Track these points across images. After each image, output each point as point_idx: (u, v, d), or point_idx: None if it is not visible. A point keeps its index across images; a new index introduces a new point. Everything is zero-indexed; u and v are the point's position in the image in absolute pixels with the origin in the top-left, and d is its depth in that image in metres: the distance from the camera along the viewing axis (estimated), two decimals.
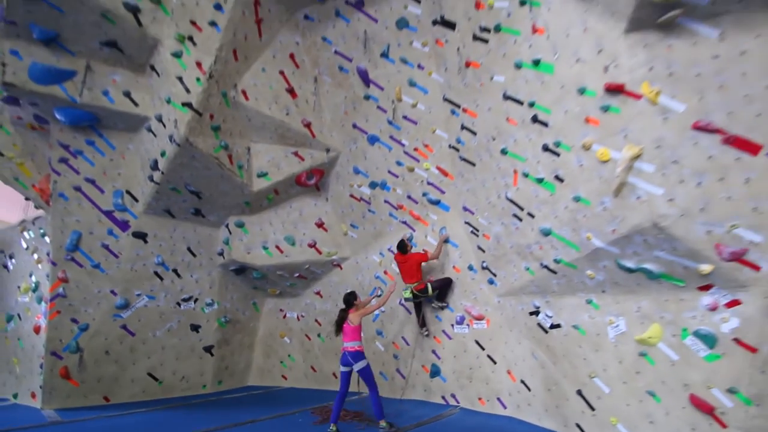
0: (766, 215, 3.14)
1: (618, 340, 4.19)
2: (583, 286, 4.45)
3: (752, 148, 3.11)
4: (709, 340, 3.51)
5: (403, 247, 6.00)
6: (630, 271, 3.89)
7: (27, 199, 6.97)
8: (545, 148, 4.22)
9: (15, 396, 6.87)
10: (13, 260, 7.56)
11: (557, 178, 4.18)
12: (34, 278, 7.00)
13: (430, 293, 5.88)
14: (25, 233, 7.33)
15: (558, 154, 4.11)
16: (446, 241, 6.13)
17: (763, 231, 3.16)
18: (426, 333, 6.21)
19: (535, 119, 4.26)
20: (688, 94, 3.21)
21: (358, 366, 4.91)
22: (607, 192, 3.69)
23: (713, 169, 3.21)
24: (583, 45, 3.64)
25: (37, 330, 6.65)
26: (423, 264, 6.03)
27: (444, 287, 6.02)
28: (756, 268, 3.22)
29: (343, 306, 5.19)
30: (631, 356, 4.08)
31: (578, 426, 4.58)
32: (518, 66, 4.33)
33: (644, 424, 3.98)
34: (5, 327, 7.35)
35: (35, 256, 7.03)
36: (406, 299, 6.07)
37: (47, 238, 6.68)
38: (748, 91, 3.09)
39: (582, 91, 3.74)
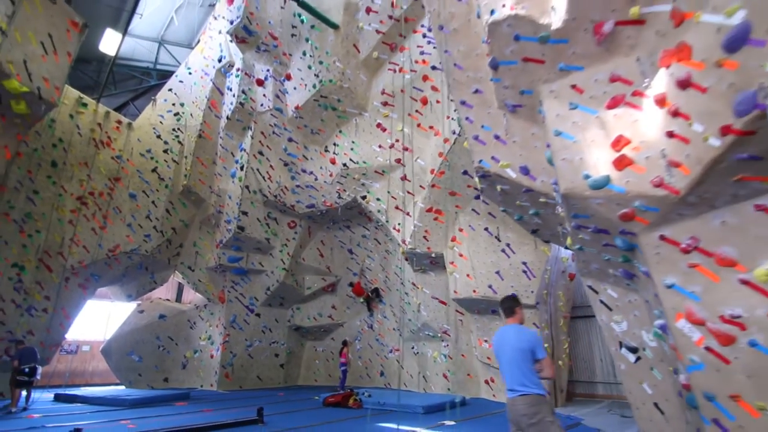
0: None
1: (439, 358, 12.83)
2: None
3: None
4: (445, 357, 12.15)
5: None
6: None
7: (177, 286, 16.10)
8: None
9: (201, 386, 15.56)
10: (195, 324, 16.49)
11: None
12: (207, 333, 15.87)
13: (371, 294, 14.93)
14: (201, 312, 16.32)
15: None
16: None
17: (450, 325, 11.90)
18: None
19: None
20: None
21: (343, 368, 13.58)
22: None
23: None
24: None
25: (211, 356, 15.43)
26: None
27: (377, 294, 14.99)
28: (448, 335, 11.94)
29: (341, 345, 13.94)
30: (430, 360, 12.69)
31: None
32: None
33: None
34: (192, 356, 16.17)
35: (208, 323, 15.98)
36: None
37: (213, 315, 15.69)
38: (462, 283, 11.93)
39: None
